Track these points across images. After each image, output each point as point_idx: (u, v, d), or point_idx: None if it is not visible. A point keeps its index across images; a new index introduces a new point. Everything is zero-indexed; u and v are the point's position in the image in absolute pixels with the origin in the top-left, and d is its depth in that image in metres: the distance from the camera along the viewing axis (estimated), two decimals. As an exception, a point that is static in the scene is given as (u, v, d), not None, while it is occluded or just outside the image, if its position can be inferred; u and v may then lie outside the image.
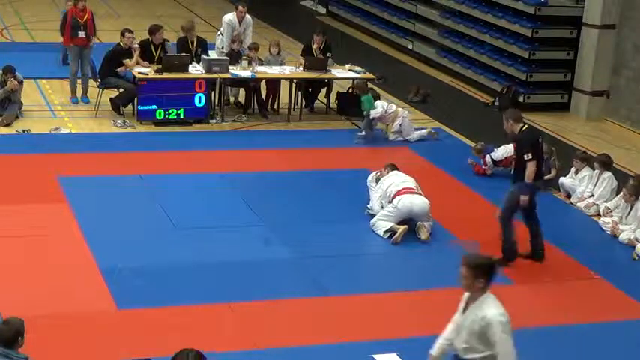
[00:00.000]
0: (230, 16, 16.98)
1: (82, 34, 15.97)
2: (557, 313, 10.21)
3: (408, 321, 9.75)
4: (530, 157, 10.70)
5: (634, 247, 11.90)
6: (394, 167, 12.46)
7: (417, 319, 9.80)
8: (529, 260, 11.37)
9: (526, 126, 10.90)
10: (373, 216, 12.08)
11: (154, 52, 15.88)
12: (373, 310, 9.93)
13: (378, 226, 11.84)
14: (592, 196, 13.22)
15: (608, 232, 12.42)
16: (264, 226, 11.83)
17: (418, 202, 11.80)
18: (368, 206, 12.37)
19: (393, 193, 11.88)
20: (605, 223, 12.59)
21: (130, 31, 15.93)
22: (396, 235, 11.59)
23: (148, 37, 16.08)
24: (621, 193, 12.71)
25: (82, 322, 9.15)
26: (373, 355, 8.91)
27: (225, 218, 12.01)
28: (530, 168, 10.71)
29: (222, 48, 16.94)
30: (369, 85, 16.14)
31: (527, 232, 11.29)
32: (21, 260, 10.41)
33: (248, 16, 17.11)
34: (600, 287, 10.93)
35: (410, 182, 12.08)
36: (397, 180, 12.09)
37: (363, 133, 15.44)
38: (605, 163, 13.28)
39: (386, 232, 11.71)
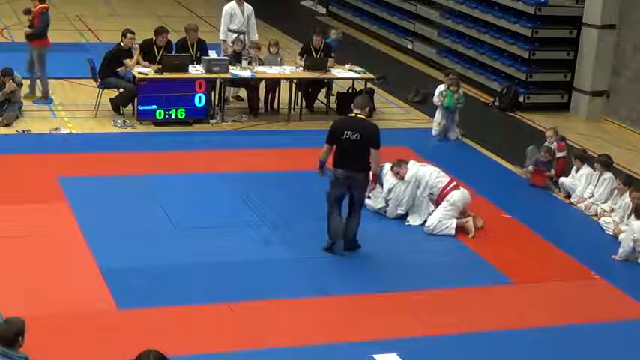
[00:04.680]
0: (230, 4, 17.08)
1: (26, 29, 16.04)
2: (557, 313, 10.21)
3: (408, 321, 9.74)
4: (325, 142, 10.90)
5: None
6: (406, 160, 12.58)
7: (417, 319, 9.80)
8: (525, 261, 11.40)
9: (347, 116, 11.16)
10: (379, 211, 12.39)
11: (156, 54, 15.89)
12: (373, 310, 9.93)
13: (440, 226, 11.95)
14: (592, 196, 13.21)
15: (610, 233, 12.40)
16: (264, 226, 11.83)
17: (467, 195, 12.18)
18: (378, 206, 12.47)
19: (440, 189, 12.12)
20: (606, 223, 12.58)
21: (132, 32, 15.91)
22: (471, 235, 11.92)
23: (152, 37, 16.07)
24: (616, 191, 12.79)
25: (82, 322, 9.15)
26: (373, 355, 8.91)
27: (225, 218, 12.01)
28: (322, 149, 10.94)
29: (229, 43, 16.96)
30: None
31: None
32: (21, 260, 10.40)
33: (248, 5, 17.16)
34: (600, 287, 10.93)
35: (446, 175, 12.40)
36: (434, 172, 12.33)
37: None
38: (606, 164, 13.26)
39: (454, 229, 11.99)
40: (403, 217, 12.35)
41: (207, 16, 23.60)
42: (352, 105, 11.09)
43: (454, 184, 12.24)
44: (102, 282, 9.99)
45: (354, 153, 10.72)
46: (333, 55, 16.85)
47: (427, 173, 12.28)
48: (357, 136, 10.67)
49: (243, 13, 17.02)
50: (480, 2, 19.50)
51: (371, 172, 10.88)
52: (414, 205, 12.26)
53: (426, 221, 12.11)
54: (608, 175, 13.15)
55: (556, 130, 14.52)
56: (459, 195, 12.10)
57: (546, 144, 14.23)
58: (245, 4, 17.13)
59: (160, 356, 6.29)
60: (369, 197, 12.50)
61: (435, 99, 16.00)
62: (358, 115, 10.87)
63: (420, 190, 12.20)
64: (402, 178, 12.28)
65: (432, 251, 11.69)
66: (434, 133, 16.00)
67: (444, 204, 12.02)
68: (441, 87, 16.07)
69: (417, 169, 12.35)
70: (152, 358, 6.25)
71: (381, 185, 12.43)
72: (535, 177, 13.95)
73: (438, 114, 16.01)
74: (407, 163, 12.46)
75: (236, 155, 14.40)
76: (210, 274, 10.43)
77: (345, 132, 10.72)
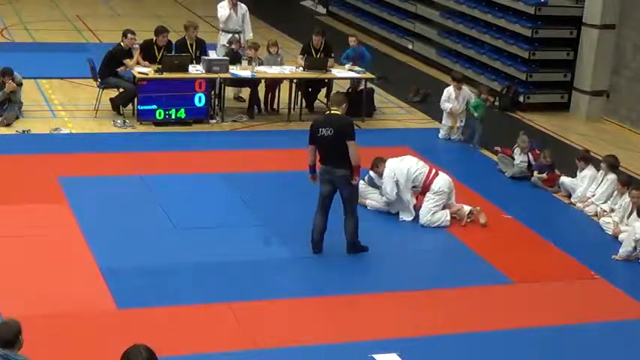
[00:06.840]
0: (222, 4, 17.25)
1: None
2: (557, 313, 10.21)
3: (408, 321, 9.74)
4: (308, 143, 11.08)
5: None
6: (383, 158, 12.57)
7: (417, 319, 9.80)
8: (525, 261, 11.40)
9: (324, 114, 11.39)
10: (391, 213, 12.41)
11: (157, 54, 15.89)
12: (373, 310, 9.94)
13: (435, 219, 12.04)
14: (593, 195, 13.20)
15: (610, 233, 12.39)
16: (264, 226, 11.83)
17: (449, 179, 12.25)
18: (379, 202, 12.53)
19: (422, 179, 12.14)
20: (606, 223, 12.58)
21: (133, 32, 15.91)
22: (463, 223, 12.12)
23: (152, 37, 16.07)
24: (616, 192, 12.80)
25: (82, 322, 9.15)
26: (373, 355, 8.91)
27: (226, 218, 12.02)
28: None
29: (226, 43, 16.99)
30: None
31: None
32: (21, 260, 10.41)
33: (242, 4, 17.21)
34: (600, 287, 10.93)
35: (424, 163, 12.45)
36: (413, 164, 12.27)
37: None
38: (612, 165, 13.25)
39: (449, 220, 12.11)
40: (396, 214, 12.41)
41: (207, 16, 23.57)
42: (329, 103, 11.36)
43: (434, 171, 12.30)
44: (102, 282, 9.98)
45: (330, 148, 10.85)
46: (332, 55, 16.85)
47: (405, 167, 12.25)
48: (330, 131, 10.78)
49: (237, 13, 17.07)
50: (479, 2, 19.51)
51: (353, 166, 10.84)
52: (401, 202, 12.27)
53: (418, 217, 12.23)
54: (612, 176, 13.13)
55: (524, 134, 14.53)
56: (442, 181, 12.18)
57: (516, 147, 14.32)
58: (239, 3, 17.18)
59: (149, 350, 6.26)
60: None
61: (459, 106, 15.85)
62: (333, 112, 10.98)
63: (402, 184, 12.20)
64: (381, 175, 12.35)
65: (432, 251, 11.71)
66: (440, 135, 15.98)
67: (430, 195, 12.09)
68: (449, 90, 15.92)
69: (395, 164, 12.33)
70: (143, 352, 6.21)
71: (373, 187, 12.59)
72: (547, 182, 13.92)
73: (447, 118, 15.90)
74: (384, 160, 12.48)
75: (236, 155, 14.41)
76: (210, 274, 10.43)
77: (320, 129, 10.87)
